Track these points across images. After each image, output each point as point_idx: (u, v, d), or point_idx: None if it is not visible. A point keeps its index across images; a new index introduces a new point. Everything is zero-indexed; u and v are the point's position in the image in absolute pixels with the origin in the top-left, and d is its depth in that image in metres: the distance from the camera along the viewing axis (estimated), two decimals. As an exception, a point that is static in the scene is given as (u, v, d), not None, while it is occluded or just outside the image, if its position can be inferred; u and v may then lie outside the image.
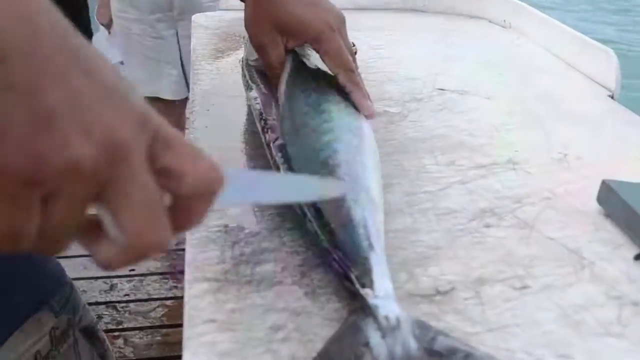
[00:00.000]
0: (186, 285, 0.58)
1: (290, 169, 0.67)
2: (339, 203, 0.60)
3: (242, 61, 0.98)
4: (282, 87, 0.79)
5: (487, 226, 0.68)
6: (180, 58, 2.65)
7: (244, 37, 1.12)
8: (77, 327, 0.90)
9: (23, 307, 0.83)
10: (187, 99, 2.69)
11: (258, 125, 0.78)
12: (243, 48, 1.06)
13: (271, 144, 0.72)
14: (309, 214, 0.61)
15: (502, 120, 0.95)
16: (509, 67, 1.18)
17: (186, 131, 0.89)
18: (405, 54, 1.23)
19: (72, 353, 0.89)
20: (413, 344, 0.48)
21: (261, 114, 0.78)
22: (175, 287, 2.48)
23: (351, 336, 0.49)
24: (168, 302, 2.41)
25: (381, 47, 1.26)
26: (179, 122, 2.75)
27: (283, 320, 0.54)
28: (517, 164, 0.82)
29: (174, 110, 2.71)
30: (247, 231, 0.66)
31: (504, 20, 1.44)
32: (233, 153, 0.82)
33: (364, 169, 0.66)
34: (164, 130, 0.40)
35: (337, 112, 0.74)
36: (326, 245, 0.58)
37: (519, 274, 0.61)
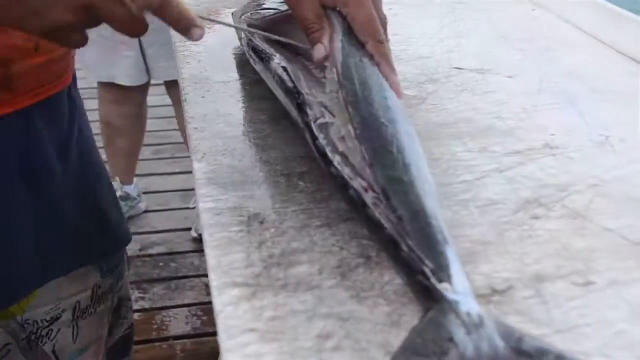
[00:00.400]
0: (214, 292, 0.59)
1: (335, 150, 0.68)
2: (406, 189, 0.62)
3: (243, 40, 0.99)
4: (338, 48, 0.78)
5: (535, 217, 0.70)
6: (139, 39, 2.64)
7: (232, 14, 1.13)
8: (116, 293, 1.07)
9: (78, 256, 0.99)
10: (147, 84, 2.68)
11: (289, 102, 0.79)
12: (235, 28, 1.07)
13: (312, 124, 0.72)
14: (368, 199, 0.62)
15: (530, 101, 0.96)
16: (529, 42, 1.20)
17: (186, 125, 0.89)
18: (412, 30, 1.24)
19: (105, 316, 1.06)
20: (500, 342, 0.49)
21: (295, 87, 0.78)
22: (142, 297, 2.48)
23: (433, 331, 0.51)
24: (134, 315, 2.40)
25: (384, 23, 1.27)
26: (140, 111, 2.74)
27: (330, 327, 0.55)
28: (555, 148, 0.83)
29: (133, 97, 2.70)
30: (272, 230, 0.67)
31: (516, -10, 1.46)
32: (240, 144, 0.82)
33: (419, 157, 0.67)
34: None
35: (390, 91, 0.75)
36: (391, 233, 0.59)
37: (580, 269, 0.62)
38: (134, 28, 0.69)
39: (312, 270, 0.62)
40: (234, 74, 1.03)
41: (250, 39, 0.96)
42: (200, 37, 0.72)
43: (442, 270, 0.55)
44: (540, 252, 0.65)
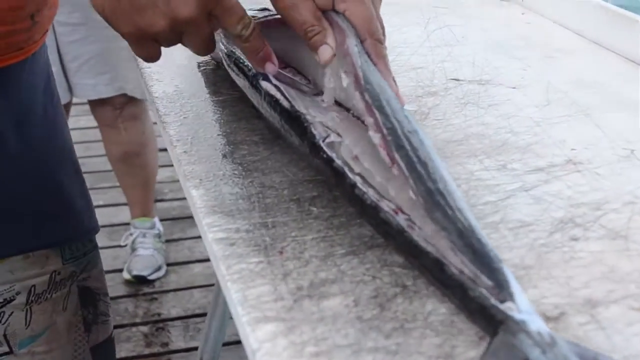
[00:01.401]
0: (246, 328, 0.62)
1: (352, 171, 0.73)
2: (450, 202, 0.66)
3: (223, 53, 1.02)
4: (355, 53, 0.81)
5: (574, 239, 0.74)
6: (58, 51, 2.64)
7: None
8: (76, 282, 1.12)
9: (33, 238, 1.06)
10: (69, 104, 2.68)
11: (285, 124, 0.84)
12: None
13: (321, 144, 0.77)
14: (402, 222, 0.67)
15: (541, 114, 1.02)
16: (526, 50, 1.26)
17: (170, 150, 0.92)
18: (396, 38, 1.29)
19: (60, 302, 1.11)
20: (577, 361, 0.54)
21: (293, 107, 0.83)
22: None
23: (507, 353, 0.55)
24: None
25: (365, 31, 1.31)
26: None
27: (380, 361, 0.59)
28: (579, 164, 0.88)
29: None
30: (295, 261, 0.70)
31: (501, -8, 1.53)
32: (237, 168, 0.85)
33: (444, 170, 0.71)
34: (223, 2, 0.80)
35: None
36: (436, 256, 0.63)
37: (633, 293, 0.67)
38: (210, 48, 0.86)
39: (347, 302, 0.65)
40: (210, 91, 1.07)
41: (231, 51, 0.99)
42: (274, 72, 0.86)
43: (502, 289, 0.59)
44: (587, 275, 0.69)
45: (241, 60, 0.96)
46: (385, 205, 0.69)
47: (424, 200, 0.66)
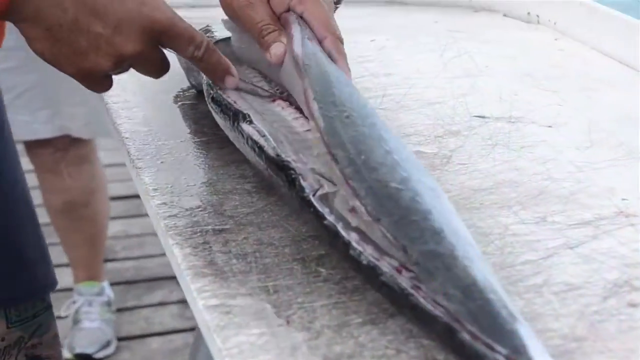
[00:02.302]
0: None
1: (348, 226, 0.75)
2: (448, 262, 0.68)
3: (206, 86, 1.04)
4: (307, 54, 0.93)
5: (633, 305, 0.76)
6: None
7: (186, 65, 1.18)
8: (23, 349, 1.12)
9: None
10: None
11: (273, 174, 0.87)
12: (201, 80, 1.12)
13: (312, 199, 0.79)
14: (405, 283, 0.68)
15: (583, 157, 1.04)
16: (561, 81, 1.28)
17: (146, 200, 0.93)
18: (408, 68, 1.32)
19: None
20: None
21: (279, 157, 0.86)
22: None
23: None
24: None
25: (369, 60, 1.34)
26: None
27: None
28: (632, 216, 0.90)
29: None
30: (304, 333, 0.71)
31: (529, 13, 1.56)
32: (229, 222, 0.87)
33: (452, 217, 0.73)
34: (168, 30, 0.92)
35: (389, 131, 0.84)
36: (446, 320, 0.64)
37: None
38: (163, 71, 0.98)
39: (367, 382, 0.66)
40: (190, 131, 1.08)
41: (209, 85, 1.01)
42: (234, 85, 0.95)
43: (520, 355, 0.61)
44: (650, 348, 0.71)
45: (222, 100, 0.98)
46: (385, 265, 0.70)
47: (419, 268, 0.68)
